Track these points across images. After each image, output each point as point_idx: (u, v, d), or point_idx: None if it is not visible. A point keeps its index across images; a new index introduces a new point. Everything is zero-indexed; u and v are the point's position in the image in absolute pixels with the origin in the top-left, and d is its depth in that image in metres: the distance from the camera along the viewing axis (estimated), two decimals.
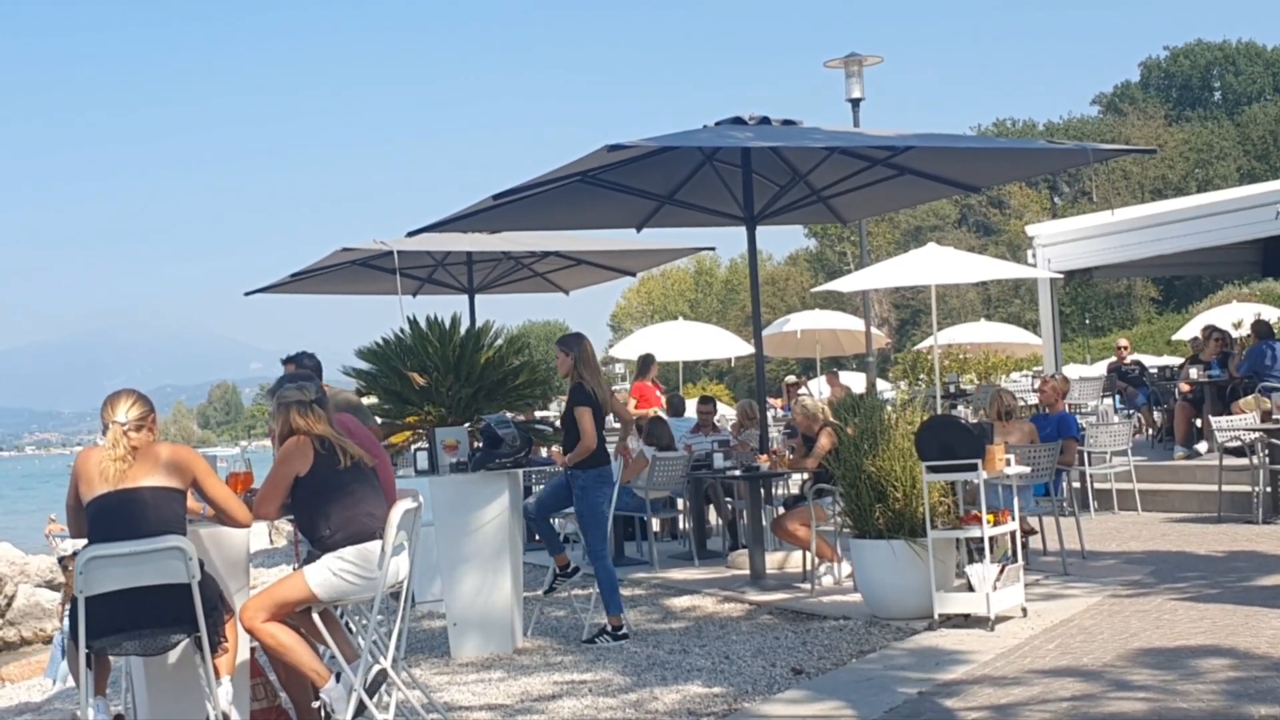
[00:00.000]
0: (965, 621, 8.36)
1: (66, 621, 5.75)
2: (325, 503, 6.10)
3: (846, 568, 10.09)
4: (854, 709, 6.49)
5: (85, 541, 5.67)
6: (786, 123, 10.73)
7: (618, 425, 12.64)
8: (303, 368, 9.52)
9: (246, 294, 16.16)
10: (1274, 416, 12.64)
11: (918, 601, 8.54)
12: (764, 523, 11.31)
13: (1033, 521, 10.93)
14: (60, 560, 6.59)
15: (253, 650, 6.33)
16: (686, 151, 11.10)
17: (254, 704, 6.44)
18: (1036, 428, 11.64)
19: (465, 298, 16.28)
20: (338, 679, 5.97)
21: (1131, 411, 18.63)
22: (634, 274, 17.17)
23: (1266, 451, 12.57)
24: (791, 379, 25.66)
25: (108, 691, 6.11)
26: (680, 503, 13.54)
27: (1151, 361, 25.60)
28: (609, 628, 8.75)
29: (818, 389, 24.95)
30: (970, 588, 8.34)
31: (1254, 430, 12.85)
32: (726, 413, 25.88)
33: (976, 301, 64.42)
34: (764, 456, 11.45)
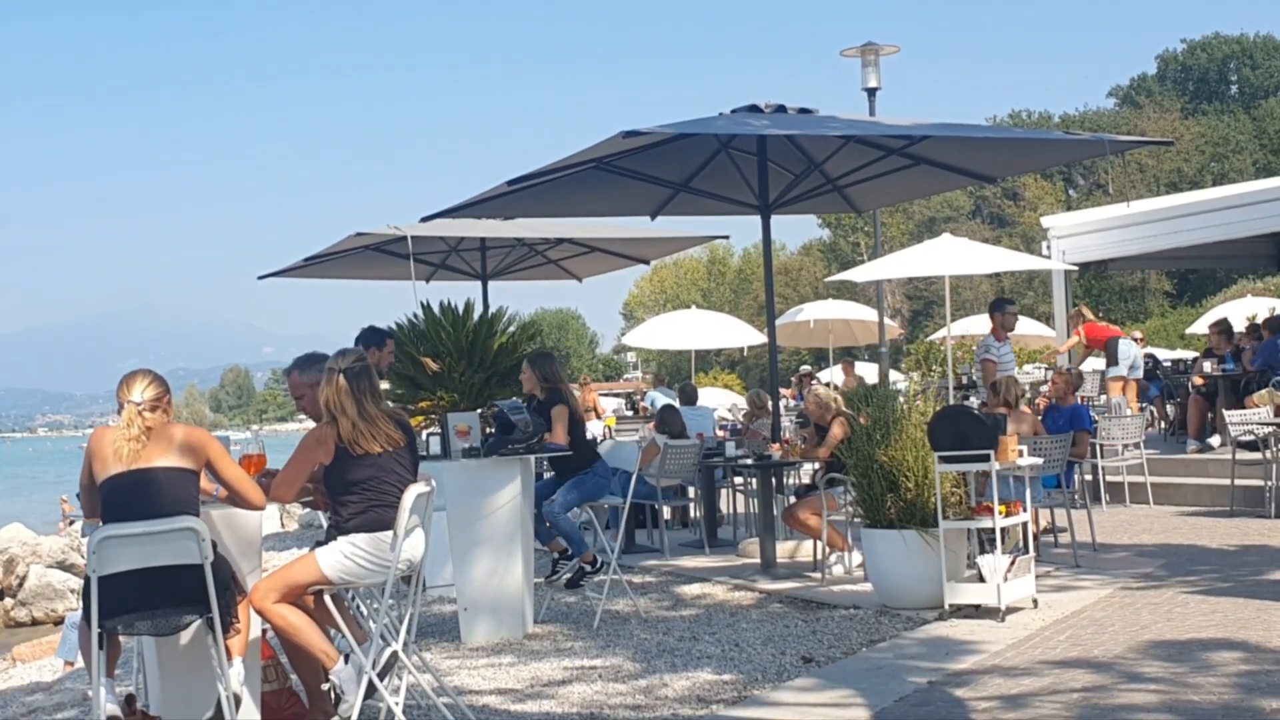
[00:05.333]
0: (976, 612, 8.36)
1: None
2: (346, 490, 6.09)
3: (857, 557, 10.08)
4: (864, 697, 6.49)
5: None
6: (803, 111, 10.71)
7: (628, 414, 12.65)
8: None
9: (260, 278, 16.22)
10: None
11: (928, 591, 8.54)
12: (775, 511, 11.31)
13: (1046, 514, 10.90)
14: None
15: (264, 632, 6.34)
16: (702, 139, 11.09)
17: (265, 685, 6.45)
18: (1048, 420, 11.63)
19: (478, 284, 16.30)
20: (347, 661, 5.98)
21: (1144, 405, 18.58)
22: (647, 262, 17.16)
23: (1279, 445, 12.54)
24: (806, 369, 25.66)
25: (118, 672, 6.11)
26: (691, 491, 13.56)
27: (1165, 355, 25.53)
28: (583, 565, 9.55)
29: (830, 379, 24.98)
30: (981, 578, 8.34)
31: (1267, 424, 12.83)
32: (738, 401, 25.91)
33: (990, 293, 64.15)
34: (776, 445, 11.46)
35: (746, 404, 17.86)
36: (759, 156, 11.43)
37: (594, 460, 9.70)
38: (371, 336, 9.75)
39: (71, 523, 25.18)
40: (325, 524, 6.47)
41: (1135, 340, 17.13)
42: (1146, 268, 43.73)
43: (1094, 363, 19.89)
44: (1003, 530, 8.41)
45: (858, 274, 19.89)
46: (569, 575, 9.54)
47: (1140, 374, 17.40)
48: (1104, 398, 17.18)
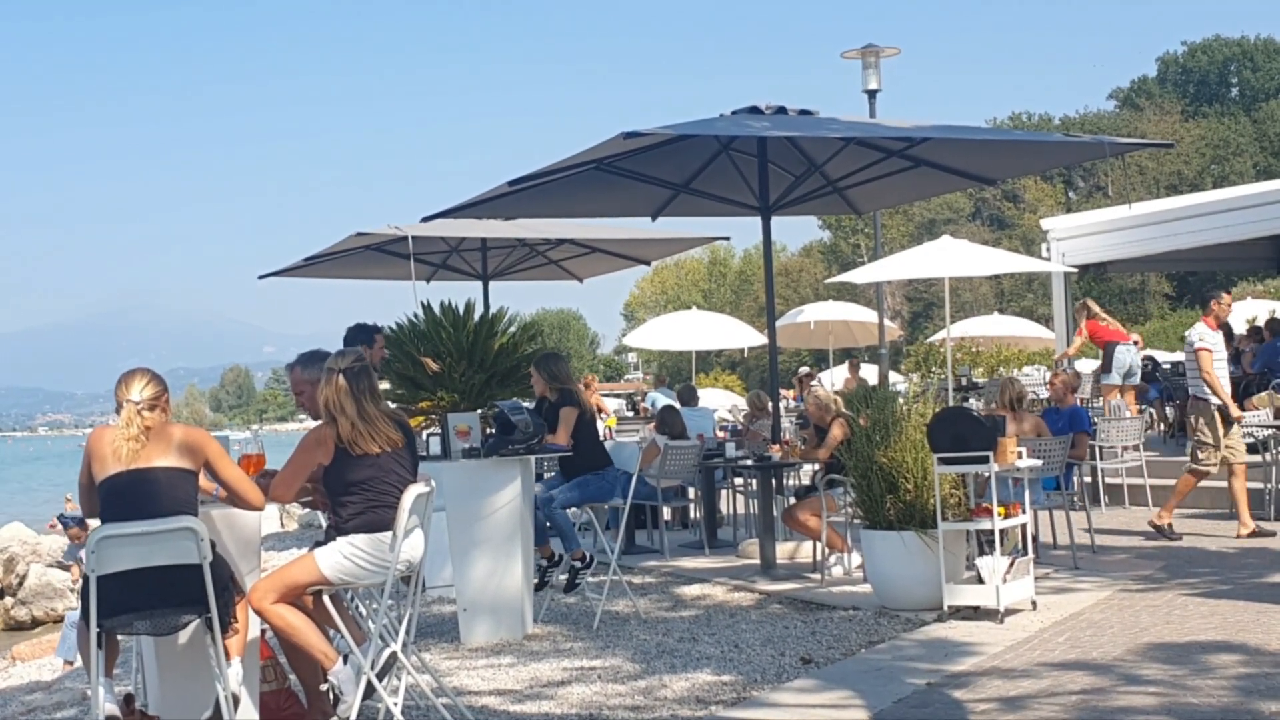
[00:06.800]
0: (975, 613, 8.36)
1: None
2: (346, 491, 6.09)
3: (856, 558, 10.09)
4: (863, 699, 6.49)
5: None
6: (803, 113, 10.72)
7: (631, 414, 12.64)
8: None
9: (260, 277, 16.22)
10: None
11: (927, 593, 8.54)
12: (775, 513, 11.31)
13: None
14: None
15: (263, 632, 6.34)
16: (702, 140, 11.10)
17: (264, 686, 6.44)
18: (1047, 422, 11.64)
19: (479, 284, 16.32)
20: (346, 661, 5.98)
21: (1143, 407, 18.57)
22: (648, 263, 17.17)
23: (1279, 448, 12.53)
24: (805, 370, 25.68)
25: (117, 672, 6.10)
26: (692, 491, 13.56)
27: (1164, 357, 25.54)
28: (573, 563, 9.38)
29: (830, 380, 24.99)
30: (980, 580, 8.34)
31: (1267, 426, 12.83)
32: (739, 402, 25.91)
33: (990, 295, 64.38)
34: (776, 446, 11.46)
35: (747, 405, 17.88)
36: (759, 158, 11.44)
37: (604, 464, 9.60)
38: (360, 334, 9.64)
39: (66, 525, 25.08)
40: (324, 524, 6.47)
41: (1134, 344, 17.13)
42: (1146, 270, 43.77)
43: (1090, 364, 19.91)
44: (1002, 532, 8.41)
45: (858, 275, 19.91)
46: (565, 576, 9.54)
47: (1138, 379, 17.35)
48: (1099, 401, 17.18)
